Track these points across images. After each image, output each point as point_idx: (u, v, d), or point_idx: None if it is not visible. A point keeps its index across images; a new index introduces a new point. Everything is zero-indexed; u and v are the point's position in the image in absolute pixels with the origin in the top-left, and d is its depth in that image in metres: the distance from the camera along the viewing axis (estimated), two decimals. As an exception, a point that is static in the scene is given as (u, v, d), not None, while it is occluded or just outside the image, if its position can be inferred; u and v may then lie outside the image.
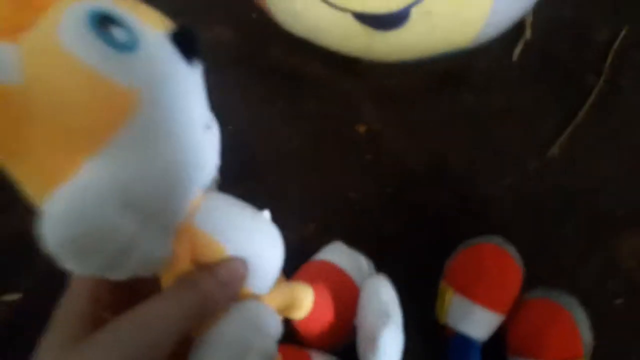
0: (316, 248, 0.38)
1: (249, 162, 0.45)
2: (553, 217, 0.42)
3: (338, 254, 0.35)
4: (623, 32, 0.46)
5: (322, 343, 0.33)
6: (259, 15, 0.48)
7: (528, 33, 0.46)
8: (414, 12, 0.35)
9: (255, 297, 0.26)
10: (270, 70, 0.49)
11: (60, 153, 0.19)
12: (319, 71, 0.47)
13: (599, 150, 0.43)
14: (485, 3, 0.35)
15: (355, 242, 0.37)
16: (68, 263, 0.19)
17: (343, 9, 0.36)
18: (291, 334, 0.34)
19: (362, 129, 0.45)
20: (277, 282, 0.27)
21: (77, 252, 0.19)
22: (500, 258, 0.35)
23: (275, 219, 0.28)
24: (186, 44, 0.21)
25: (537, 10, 0.46)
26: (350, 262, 0.35)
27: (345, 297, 0.33)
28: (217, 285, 0.23)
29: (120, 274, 0.20)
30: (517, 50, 0.46)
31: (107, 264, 0.19)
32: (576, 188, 0.42)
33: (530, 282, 0.36)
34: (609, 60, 0.45)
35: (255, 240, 0.25)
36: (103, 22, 0.19)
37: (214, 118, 0.25)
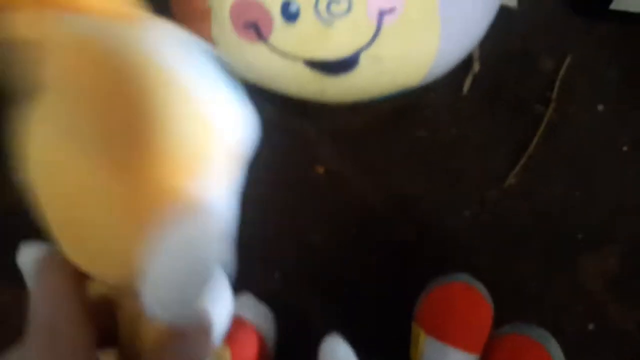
0: (284, 297, 0.37)
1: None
2: (515, 245, 0.42)
3: (246, 308, 0.36)
4: (567, 60, 0.48)
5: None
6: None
7: (476, 66, 0.47)
8: (363, 57, 0.36)
9: None
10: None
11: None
12: (270, 115, 0.47)
13: (554, 176, 0.44)
14: (432, 45, 0.36)
15: (321, 287, 0.37)
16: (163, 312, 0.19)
17: (294, 58, 0.36)
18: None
19: (320, 170, 0.45)
20: None
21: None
22: (470, 297, 0.34)
23: (237, 270, 0.27)
24: None
25: (484, 42, 0.47)
26: (257, 316, 0.36)
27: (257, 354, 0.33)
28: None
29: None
30: (467, 83, 0.47)
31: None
32: (535, 215, 0.43)
33: (498, 313, 0.36)
34: (555, 88, 0.47)
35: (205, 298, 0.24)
36: None
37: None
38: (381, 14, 0.34)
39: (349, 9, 0.33)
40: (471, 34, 0.38)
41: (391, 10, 0.34)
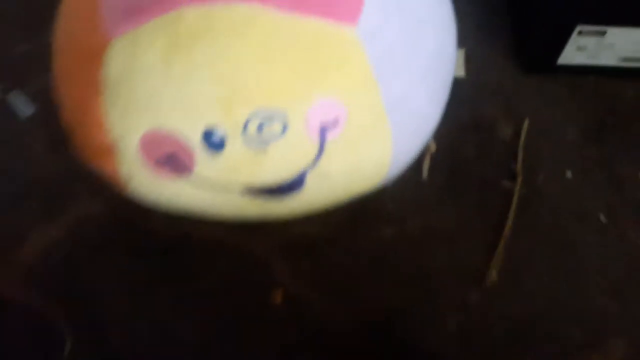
0: None
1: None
2: (510, 354, 0.37)
3: None
4: (525, 124, 0.44)
5: None
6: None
7: (432, 146, 0.42)
8: (309, 177, 0.30)
9: None
10: (152, 246, 0.40)
11: None
12: (212, 237, 0.40)
13: (536, 262, 0.39)
14: (385, 151, 0.30)
15: None
16: None
17: (226, 188, 0.30)
18: None
19: (277, 297, 0.38)
20: None
21: None
22: None
23: None
24: None
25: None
26: None
27: None
28: None
29: None
30: (425, 167, 0.42)
31: None
32: (527, 314, 0.38)
33: None
34: (519, 159, 0.43)
35: None
36: None
37: None
38: (323, 129, 0.28)
39: (284, 129, 0.28)
40: (426, 128, 0.33)
41: (334, 123, 0.28)
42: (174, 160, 0.28)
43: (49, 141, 0.45)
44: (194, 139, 0.28)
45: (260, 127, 0.27)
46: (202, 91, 0.27)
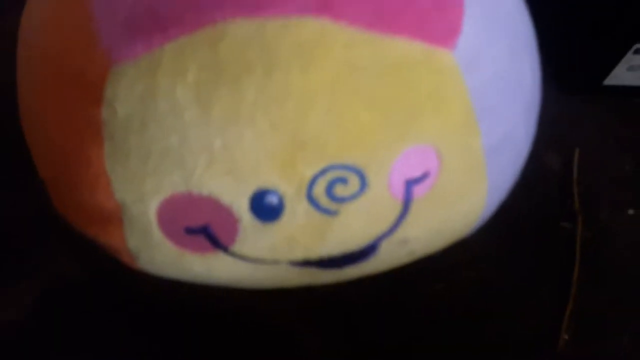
0: None
1: None
2: None
3: None
4: (576, 155, 0.39)
5: None
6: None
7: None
8: (384, 244, 0.23)
9: None
10: (147, 311, 0.32)
11: None
12: (221, 299, 0.32)
13: (609, 317, 0.34)
14: (477, 205, 0.24)
15: None
16: None
17: (274, 262, 0.23)
18: None
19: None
20: None
21: None
22: None
23: None
24: None
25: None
26: None
27: None
28: None
29: None
30: (475, 210, 0.36)
31: None
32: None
33: None
34: (575, 195, 0.38)
35: None
36: None
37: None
38: (409, 186, 0.21)
39: (362, 187, 0.20)
40: (520, 163, 0.27)
41: (423, 177, 0.21)
42: (207, 233, 0.21)
43: (4, 184, 0.37)
44: (240, 206, 0.20)
45: (330, 187, 0.20)
46: (253, 142, 0.19)
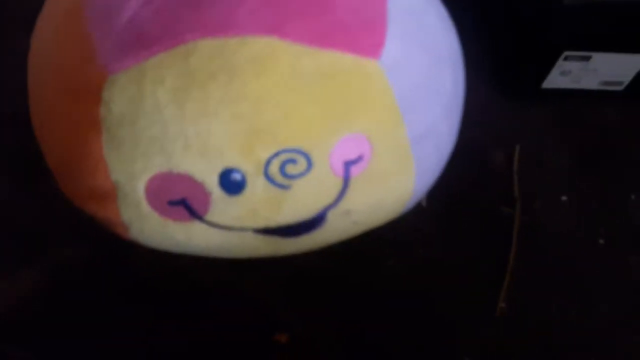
0: None
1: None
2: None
3: None
4: (517, 151, 0.44)
5: None
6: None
7: (430, 174, 0.42)
8: (330, 215, 0.28)
9: None
10: (143, 288, 0.37)
11: None
12: (206, 275, 0.38)
13: (542, 289, 0.39)
14: (408, 184, 0.29)
15: None
16: None
17: (241, 229, 0.28)
18: None
19: (283, 338, 0.36)
20: None
21: None
22: None
23: None
24: None
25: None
26: None
27: None
28: None
29: None
30: (424, 196, 0.41)
31: None
32: (540, 343, 0.37)
33: None
34: (515, 185, 0.43)
35: None
36: None
37: None
38: (347, 166, 0.27)
39: (308, 167, 0.26)
40: (444, 154, 0.32)
41: (358, 159, 0.27)
42: (186, 205, 0.26)
43: (17, 178, 0.42)
44: (210, 181, 0.25)
45: (282, 166, 0.25)
46: (219, 130, 0.24)
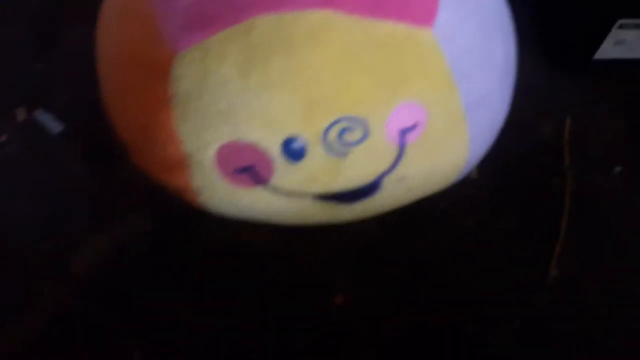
0: None
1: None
2: (575, 349, 0.37)
3: None
4: (568, 122, 0.44)
5: None
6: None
7: (479, 146, 0.42)
8: (386, 181, 0.29)
9: None
10: (207, 256, 0.40)
11: None
12: (265, 243, 0.40)
13: (594, 257, 0.39)
14: (462, 150, 0.30)
15: None
16: None
17: (301, 195, 0.29)
18: None
19: (339, 300, 0.38)
20: None
21: None
22: None
23: None
24: None
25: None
26: None
27: None
28: None
29: None
30: (475, 167, 0.42)
31: None
32: (589, 310, 0.38)
33: None
34: (566, 156, 0.43)
35: None
36: None
37: None
38: (403, 133, 0.28)
39: (364, 135, 0.27)
40: (497, 124, 0.33)
41: (414, 127, 0.28)
42: (251, 171, 0.28)
43: (84, 157, 0.45)
44: (273, 149, 0.27)
45: (340, 135, 0.27)
46: (281, 102, 0.26)
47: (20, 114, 0.47)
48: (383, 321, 0.37)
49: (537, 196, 0.41)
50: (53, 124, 0.47)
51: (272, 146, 0.27)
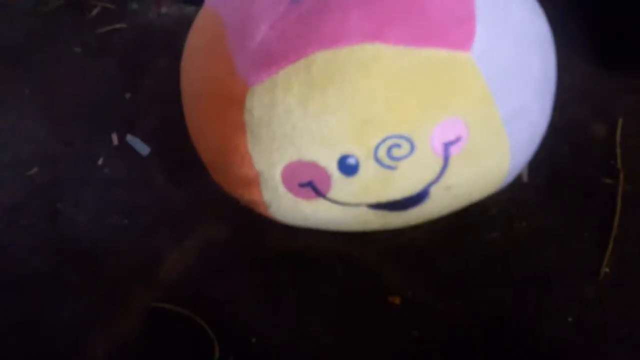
0: None
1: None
2: (627, 345, 0.38)
3: None
4: (620, 122, 0.45)
5: None
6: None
7: (529, 151, 0.44)
8: (433, 190, 0.33)
9: None
10: (275, 259, 0.45)
11: None
12: (326, 248, 0.44)
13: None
14: (504, 160, 0.33)
15: None
16: None
17: (356, 205, 0.33)
18: None
19: (396, 300, 0.41)
20: None
21: None
22: None
23: None
24: None
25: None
26: None
27: None
28: None
29: None
30: (525, 171, 0.44)
31: None
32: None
33: None
34: (618, 156, 0.44)
35: None
36: None
37: None
38: (446, 147, 0.31)
39: (412, 149, 0.31)
40: (539, 135, 0.35)
41: (456, 140, 0.31)
42: (312, 186, 0.32)
43: (170, 175, 0.51)
44: (331, 166, 0.31)
45: (389, 150, 0.31)
46: (336, 125, 0.30)
47: (114, 139, 0.54)
48: (438, 320, 0.40)
49: (589, 196, 0.43)
50: (142, 147, 0.54)
51: (330, 163, 0.31)
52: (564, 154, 0.44)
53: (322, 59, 0.30)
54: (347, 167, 0.31)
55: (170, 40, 0.58)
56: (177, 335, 0.43)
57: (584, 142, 0.45)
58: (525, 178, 0.44)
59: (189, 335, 0.43)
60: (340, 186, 0.32)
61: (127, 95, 0.56)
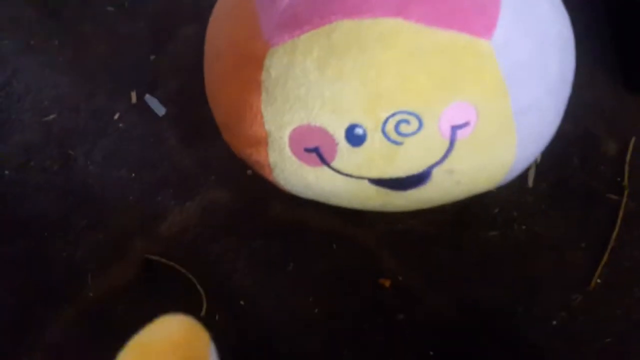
0: None
1: (263, 337, 0.41)
2: (611, 352, 0.38)
3: None
4: (632, 142, 0.45)
5: None
6: (254, 173, 0.45)
7: (538, 157, 0.44)
8: (435, 172, 0.33)
9: None
10: (273, 230, 0.45)
11: None
12: (325, 225, 0.44)
13: (638, 274, 0.41)
14: (509, 153, 0.33)
15: None
16: None
17: (359, 178, 0.34)
18: None
19: (387, 283, 0.42)
20: None
21: None
22: None
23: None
24: None
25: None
26: None
27: None
28: None
29: None
30: (531, 176, 0.44)
31: None
32: (630, 319, 0.39)
33: None
34: (626, 174, 0.44)
35: None
36: None
37: None
38: (454, 129, 0.31)
39: (419, 127, 0.31)
40: (548, 136, 0.35)
41: (465, 125, 0.31)
42: (318, 152, 0.33)
43: (182, 137, 0.52)
44: (339, 133, 0.32)
45: (397, 125, 0.31)
46: (349, 93, 0.31)
47: (133, 97, 0.55)
48: (425, 308, 0.40)
49: (591, 209, 0.43)
50: (159, 107, 0.55)
51: (337, 130, 0.32)
52: (573, 165, 0.45)
53: (344, 28, 0.31)
54: (354, 137, 0.32)
55: (200, 10, 0.59)
56: (168, 288, 0.44)
57: (594, 157, 0.45)
58: (530, 182, 0.44)
59: (180, 290, 0.43)
60: (346, 156, 0.32)
61: (152, 57, 0.57)
